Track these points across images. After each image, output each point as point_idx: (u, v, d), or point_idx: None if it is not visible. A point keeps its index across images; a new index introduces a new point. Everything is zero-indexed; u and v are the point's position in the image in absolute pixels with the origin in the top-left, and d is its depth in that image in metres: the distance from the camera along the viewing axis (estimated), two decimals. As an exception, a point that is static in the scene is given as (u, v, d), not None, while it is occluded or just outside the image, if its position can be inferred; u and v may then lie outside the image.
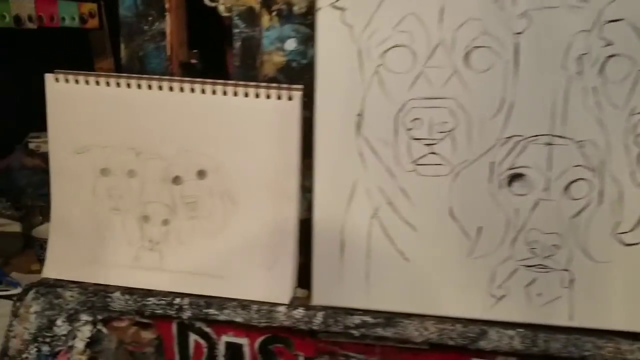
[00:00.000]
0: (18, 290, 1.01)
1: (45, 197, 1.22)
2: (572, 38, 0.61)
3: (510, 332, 0.66)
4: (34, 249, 1.22)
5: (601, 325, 0.66)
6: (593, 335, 0.66)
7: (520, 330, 0.66)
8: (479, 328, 0.67)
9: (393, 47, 0.64)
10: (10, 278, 1.02)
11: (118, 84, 0.69)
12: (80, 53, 1.72)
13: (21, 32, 1.49)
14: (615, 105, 0.62)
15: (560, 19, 0.61)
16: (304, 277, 0.71)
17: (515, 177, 0.65)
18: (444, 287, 0.68)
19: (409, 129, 0.65)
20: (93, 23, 1.73)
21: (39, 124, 1.54)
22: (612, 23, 0.61)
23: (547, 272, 0.66)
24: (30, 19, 1.45)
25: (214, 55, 0.71)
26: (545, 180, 0.64)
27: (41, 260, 1.03)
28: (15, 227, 1.26)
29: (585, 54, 0.62)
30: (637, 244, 0.64)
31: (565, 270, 0.66)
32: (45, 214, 1.20)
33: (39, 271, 1.13)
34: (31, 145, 1.42)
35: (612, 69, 0.61)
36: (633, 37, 0.60)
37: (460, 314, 0.68)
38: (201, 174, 0.70)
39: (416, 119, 0.65)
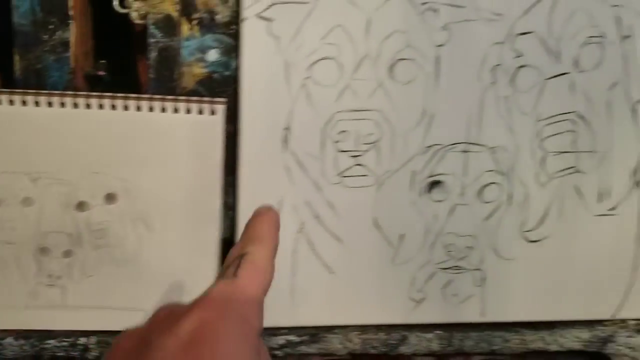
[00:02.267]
0: None
1: None
2: (487, 50, 0.61)
3: (429, 335, 0.66)
4: None
5: (509, 318, 0.67)
6: (501, 329, 0.67)
7: (438, 332, 0.66)
8: (400, 334, 0.65)
9: (320, 59, 0.60)
10: None
11: (11, 102, 0.56)
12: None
13: None
14: (524, 112, 0.63)
15: (477, 31, 0.61)
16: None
17: (434, 184, 0.64)
18: (368, 296, 0.65)
19: (336, 141, 0.62)
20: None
21: None
22: (522, 35, 0.62)
23: (461, 272, 0.66)
24: None
25: (124, 66, 0.61)
26: (461, 186, 0.64)
27: None
28: None
29: (499, 65, 0.62)
30: (539, 240, 0.67)
31: (477, 269, 0.66)
32: None
33: None
34: None
35: (521, 78, 0.62)
36: (540, 49, 0.62)
37: (383, 320, 0.66)
38: (110, 197, 0.60)
39: (343, 131, 0.61)
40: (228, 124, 0.60)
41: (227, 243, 0.64)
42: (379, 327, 0.65)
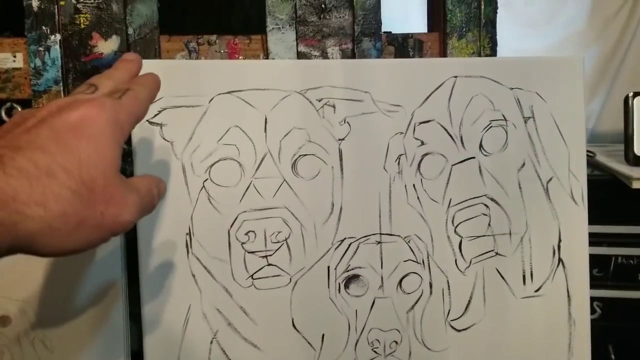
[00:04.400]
0: None
1: None
2: (390, 140, 0.54)
3: None
4: None
5: (446, 413, 0.57)
6: None
7: None
8: None
9: (219, 160, 0.52)
10: None
11: None
12: None
13: None
14: (434, 200, 0.56)
15: (378, 123, 0.54)
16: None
17: (351, 279, 0.55)
18: (293, 404, 0.55)
19: (243, 243, 0.53)
20: None
21: None
22: (423, 124, 0.55)
23: (390, 369, 0.56)
24: None
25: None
26: (380, 278, 0.55)
27: None
28: None
29: (403, 154, 0.55)
30: (467, 328, 0.57)
31: (407, 364, 0.56)
32: None
33: None
34: None
35: (428, 166, 0.55)
36: (443, 135, 0.55)
37: None
38: (4, 320, 0.50)
39: (250, 231, 0.53)
40: (129, 231, 0.52)
41: (136, 356, 0.53)
42: None
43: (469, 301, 0.57)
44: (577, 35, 1.07)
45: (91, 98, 0.34)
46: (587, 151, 0.83)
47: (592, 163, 0.83)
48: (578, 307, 0.60)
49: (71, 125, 0.31)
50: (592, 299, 0.75)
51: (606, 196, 0.76)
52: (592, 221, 0.73)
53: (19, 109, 0.51)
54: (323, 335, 0.55)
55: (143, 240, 0.51)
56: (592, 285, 0.76)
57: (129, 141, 0.51)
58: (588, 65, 1.05)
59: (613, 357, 0.74)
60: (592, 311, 0.75)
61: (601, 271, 0.79)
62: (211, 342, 0.53)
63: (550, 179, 0.58)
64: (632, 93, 0.79)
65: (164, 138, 0.51)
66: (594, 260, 0.74)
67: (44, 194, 0.29)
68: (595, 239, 0.76)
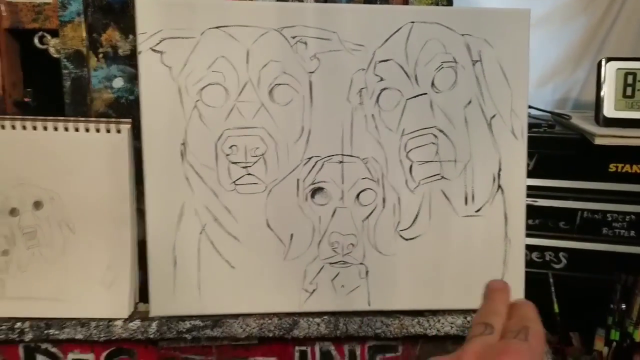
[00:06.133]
0: None
1: None
2: (353, 75, 0.61)
3: (317, 320, 0.63)
4: None
5: (391, 307, 0.65)
6: (383, 315, 0.64)
7: (325, 317, 0.63)
8: (291, 319, 0.63)
9: (208, 85, 0.59)
10: None
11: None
12: None
13: None
14: (390, 128, 0.62)
15: (343, 60, 0.60)
16: (146, 293, 0.63)
17: (316, 191, 0.62)
18: (265, 288, 0.63)
19: (227, 155, 0.60)
20: None
21: None
22: (382, 62, 0.61)
23: (347, 266, 0.64)
24: None
25: (51, 94, 0.61)
26: (340, 191, 0.62)
27: None
28: None
29: (364, 88, 0.61)
30: (414, 238, 0.64)
31: (361, 264, 0.64)
32: None
33: None
34: None
35: (385, 99, 0.61)
36: (399, 73, 0.61)
37: (279, 309, 0.64)
38: (37, 205, 0.60)
39: (233, 145, 0.60)
40: (136, 141, 0.60)
41: (141, 244, 0.63)
42: (275, 314, 0.63)
43: (417, 215, 0.64)
44: (565, 6, 1.06)
45: (508, 348, 0.34)
46: (564, 115, 0.86)
47: (566, 125, 0.85)
48: (514, 228, 0.65)
49: None
50: (559, 249, 0.79)
51: (574, 154, 0.77)
52: (560, 176, 0.77)
53: (49, 37, 0.59)
54: (292, 234, 0.63)
55: (147, 148, 0.59)
56: (559, 237, 0.79)
57: (135, 65, 0.58)
58: (575, 36, 1.06)
59: (553, 288, 0.78)
60: (558, 261, 0.79)
61: (567, 224, 0.80)
62: (200, 233, 0.62)
63: (494, 116, 0.63)
64: (604, 59, 0.79)
65: (163, 64, 0.58)
66: (562, 213, 0.77)
67: None
68: (562, 194, 0.78)
